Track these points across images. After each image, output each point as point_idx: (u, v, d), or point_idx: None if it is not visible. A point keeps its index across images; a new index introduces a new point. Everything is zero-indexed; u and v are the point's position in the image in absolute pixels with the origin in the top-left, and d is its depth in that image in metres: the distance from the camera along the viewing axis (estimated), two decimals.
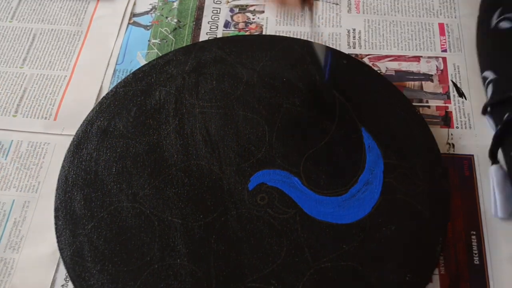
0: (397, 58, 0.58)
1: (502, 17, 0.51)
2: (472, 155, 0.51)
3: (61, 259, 0.46)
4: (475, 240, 0.46)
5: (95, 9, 0.65)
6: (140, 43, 0.61)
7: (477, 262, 0.45)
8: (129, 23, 0.63)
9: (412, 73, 0.57)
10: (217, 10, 0.64)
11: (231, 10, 0.64)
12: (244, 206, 0.47)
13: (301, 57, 0.56)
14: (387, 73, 0.57)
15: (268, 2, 0.45)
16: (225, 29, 0.62)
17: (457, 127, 0.53)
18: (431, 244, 0.45)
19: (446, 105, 0.54)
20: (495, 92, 0.50)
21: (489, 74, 0.51)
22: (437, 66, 0.57)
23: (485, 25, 0.54)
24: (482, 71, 0.53)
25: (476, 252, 0.46)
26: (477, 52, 0.56)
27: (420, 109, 0.54)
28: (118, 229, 0.46)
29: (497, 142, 0.48)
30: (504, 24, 0.51)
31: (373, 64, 0.57)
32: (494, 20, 0.52)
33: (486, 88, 0.52)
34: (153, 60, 0.57)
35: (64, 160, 0.51)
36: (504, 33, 0.51)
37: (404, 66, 0.57)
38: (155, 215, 0.47)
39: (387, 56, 0.58)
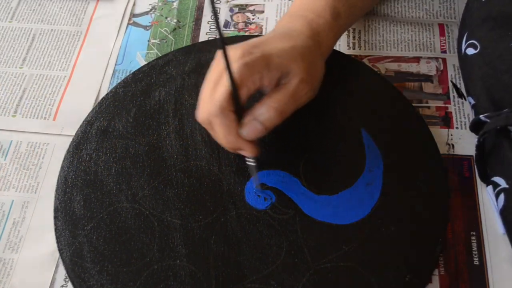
0: (397, 59, 0.58)
1: (468, 42, 0.50)
2: (472, 156, 0.50)
3: (60, 260, 0.46)
4: (475, 241, 0.46)
5: (94, 10, 0.65)
6: (140, 43, 0.61)
7: (477, 263, 0.45)
8: (128, 24, 0.63)
9: (411, 74, 0.57)
10: (216, 10, 0.64)
11: (231, 9, 0.64)
12: (243, 206, 0.47)
13: None
14: (386, 74, 0.57)
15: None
16: (224, 29, 0.62)
17: (456, 128, 0.53)
18: (430, 244, 0.45)
19: (446, 105, 0.54)
20: (475, 115, 0.50)
21: (471, 100, 0.51)
22: (436, 67, 0.57)
23: (460, 50, 0.53)
24: (466, 96, 0.53)
25: (476, 252, 0.46)
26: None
27: (420, 109, 0.54)
28: (117, 230, 0.46)
29: (480, 166, 0.48)
30: (470, 51, 0.50)
31: (372, 65, 0.57)
32: (463, 46, 0.51)
33: (472, 111, 0.52)
34: (153, 60, 0.57)
35: (63, 161, 0.51)
36: (470, 59, 0.50)
37: (404, 67, 0.57)
38: (154, 216, 0.47)
39: (386, 57, 0.58)
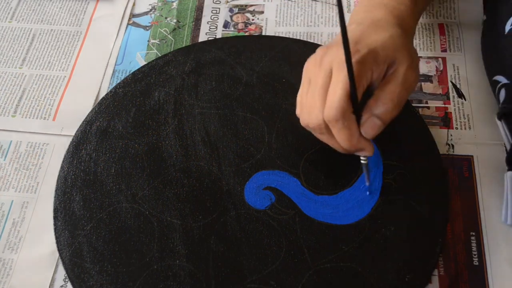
0: None
1: None
2: (472, 156, 0.51)
3: (60, 260, 0.46)
4: (474, 241, 0.46)
5: (94, 10, 0.65)
6: (140, 43, 0.61)
7: (477, 263, 0.45)
8: (128, 24, 0.63)
9: None
10: (216, 10, 0.64)
11: (231, 10, 0.64)
12: (243, 207, 0.47)
13: (300, 57, 0.56)
14: None
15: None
16: (224, 29, 0.62)
17: (456, 128, 0.53)
18: (430, 245, 0.45)
19: (446, 106, 0.54)
20: (508, 98, 0.50)
21: (502, 79, 0.50)
22: (436, 67, 0.57)
23: (497, 30, 0.52)
24: (492, 74, 0.52)
25: (476, 253, 0.46)
26: (483, 55, 0.55)
27: (420, 110, 0.54)
28: (117, 230, 0.46)
29: None
30: None
31: None
32: (508, 26, 0.51)
33: (498, 92, 0.51)
34: (153, 60, 0.57)
35: (63, 161, 0.51)
36: None
37: None
38: (154, 216, 0.47)
39: None
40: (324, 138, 0.45)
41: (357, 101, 0.41)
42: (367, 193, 0.47)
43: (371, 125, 0.42)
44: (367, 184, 0.47)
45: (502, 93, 0.50)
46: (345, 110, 0.41)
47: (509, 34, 0.51)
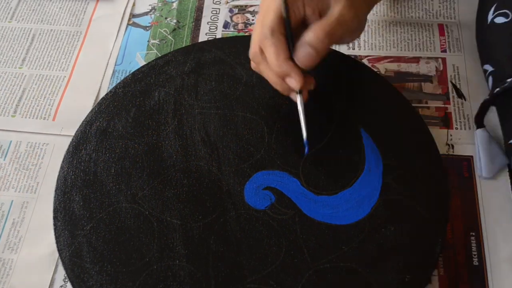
0: (397, 59, 0.58)
1: (497, 12, 0.52)
2: (472, 156, 0.51)
3: (59, 260, 0.46)
4: (474, 241, 0.46)
5: (94, 10, 0.65)
6: (139, 43, 0.61)
7: (476, 263, 0.45)
8: (128, 24, 0.63)
9: (411, 74, 0.57)
10: (216, 11, 0.64)
11: (231, 10, 0.64)
12: (243, 207, 0.47)
13: None
14: (386, 74, 0.57)
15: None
16: (224, 29, 0.62)
17: (456, 128, 0.53)
18: (430, 245, 0.45)
19: (446, 106, 0.54)
20: (494, 84, 0.51)
21: (488, 67, 0.52)
22: (436, 67, 0.57)
23: (482, 21, 0.54)
24: (482, 64, 0.54)
25: (475, 253, 0.46)
26: (477, 48, 0.56)
27: (420, 110, 0.54)
28: (117, 230, 0.46)
29: (484, 110, 0.50)
30: (499, 19, 0.52)
31: (372, 65, 0.57)
32: (490, 16, 0.53)
33: (487, 80, 0.53)
34: (152, 60, 0.57)
35: (63, 161, 0.51)
36: (498, 28, 0.52)
37: (404, 67, 0.57)
38: (154, 216, 0.47)
39: (386, 57, 0.58)
40: (260, 67, 0.48)
41: (289, 25, 0.44)
42: (306, 150, 0.48)
43: (303, 52, 0.45)
44: (303, 135, 0.48)
45: (490, 80, 0.52)
46: (275, 30, 0.44)
47: (491, 24, 0.53)
